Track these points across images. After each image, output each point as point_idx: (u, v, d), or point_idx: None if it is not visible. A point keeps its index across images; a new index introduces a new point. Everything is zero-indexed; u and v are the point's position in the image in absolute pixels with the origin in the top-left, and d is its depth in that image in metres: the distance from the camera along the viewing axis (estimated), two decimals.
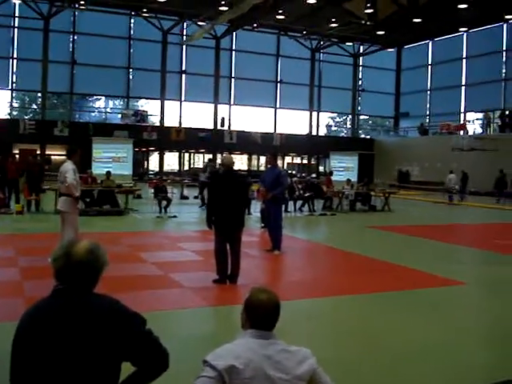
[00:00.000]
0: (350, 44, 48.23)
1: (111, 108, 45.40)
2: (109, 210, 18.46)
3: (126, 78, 42.59)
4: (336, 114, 53.16)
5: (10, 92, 40.29)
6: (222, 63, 44.76)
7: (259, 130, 44.45)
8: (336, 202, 22.46)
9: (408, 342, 6.13)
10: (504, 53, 41.15)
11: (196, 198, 21.96)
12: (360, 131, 52.48)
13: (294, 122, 47.75)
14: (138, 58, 42.18)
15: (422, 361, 5.54)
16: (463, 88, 44.88)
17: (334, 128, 53.71)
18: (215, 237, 8.61)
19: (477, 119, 43.57)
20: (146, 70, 42.36)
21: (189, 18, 40.93)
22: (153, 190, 20.08)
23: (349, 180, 24.13)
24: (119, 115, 42.64)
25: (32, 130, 36.88)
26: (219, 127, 43.83)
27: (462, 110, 45.05)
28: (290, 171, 41.11)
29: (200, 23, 39.77)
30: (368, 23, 39.20)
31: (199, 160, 44.23)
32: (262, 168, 42.07)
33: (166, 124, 42.81)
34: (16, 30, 39.30)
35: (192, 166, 43.90)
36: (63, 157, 36.63)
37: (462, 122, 43.37)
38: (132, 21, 42.31)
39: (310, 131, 48.25)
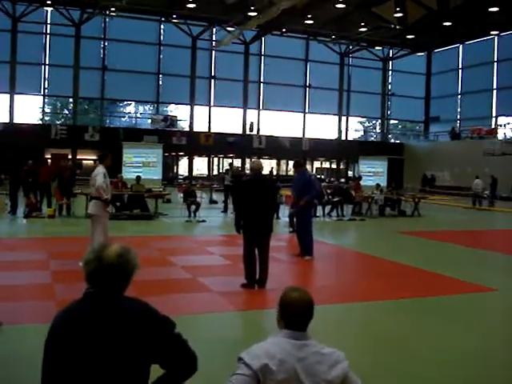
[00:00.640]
0: (380, 48, 48.04)
1: (141, 113, 45.84)
2: (139, 214, 18.59)
3: (156, 84, 42.96)
4: (365, 119, 52.88)
5: (42, 98, 40.96)
6: (251, 68, 44.90)
7: (288, 134, 44.46)
8: (365, 207, 22.32)
9: (441, 348, 6.06)
10: None
11: (224, 202, 22.03)
12: (389, 136, 52.13)
13: (323, 126, 47.67)
14: (168, 64, 42.56)
15: (455, 368, 5.47)
16: (494, 92, 44.34)
17: (362, 133, 53.42)
18: (244, 241, 8.60)
19: (508, 123, 42.96)
20: (176, 75, 42.70)
21: (218, 23, 41.18)
22: (182, 195, 20.20)
23: (378, 185, 23.95)
24: (149, 120, 43.05)
25: (63, 135, 37.42)
26: (248, 132, 43.94)
27: (494, 114, 44.48)
28: (318, 176, 41.02)
29: (229, 29, 39.96)
30: (397, 27, 39.00)
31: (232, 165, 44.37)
32: (291, 173, 42.00)
33: (196, 129, 43.08)
34: (48, 36, 39.98)
35: (221, 170, 44.03)
36: (94, 161, 37.12)
37: (493, 126, 42.85)
38: (162, 27, 42.73)
39: (339, 136, 48.09)
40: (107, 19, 40.14)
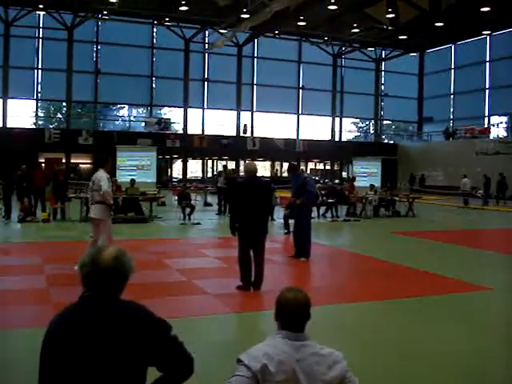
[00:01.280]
0: (372, 49, 48.15)
1: (135, 116, 45.78)
2: (133, 217, 18.59)
3: (149, 87, 42.92)
4: (359, 120, 52.98)
5: (35, 102, 40.84)
6: (244, 70, 44.92)
7: (282, 136, 44.47)
8: (360, 207, 22.37)
9: (436, 348, 6.09)
10: None
11: (218, 204, 22.06)
12: (383, 136, 52.25)
13: (317, 127, 47.69)
14: (161, 67, 42.53)
15: (448, 367, 5.50)
16: (487, 91, 44.49)
17: (356, 133, 53.50)
18: (239, 244, 8.61)
19: (501, 123, 43.11)
20: (169, 78, 42.69)
21: (210, 26, 41.21)
22: (176, 197, 20.21)
23: (372, 185, 24.01)
24: (143, 123, 43.02)
25: (57, 139, 37.33)
26: (242, 134, 43.96)
27: (486, 113, 44.63)
28: (312, 177, 41.05)
29: (222, 31, 39.98)
30: (390, 28, 39.12)
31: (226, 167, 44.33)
32: (285, 174, 42.03)
33: (189, 131, 43.06)
34: (41, 40, 39.87)
35: (215, 173, 44.04)
36: (87, 165, 37.00)
37: (486, 125, 43.00)
38: (154, 30, 42.69)
39: (333, 137, 48.17)
40: (100, 23, 40.04)
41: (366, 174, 36.70)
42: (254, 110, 45.67)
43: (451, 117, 47.90)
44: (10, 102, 38.92)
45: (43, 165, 30.16)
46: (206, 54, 43.80)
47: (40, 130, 38.39)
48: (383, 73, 50.63)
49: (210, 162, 44.43)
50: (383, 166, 37.39)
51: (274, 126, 45.61)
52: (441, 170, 41.26)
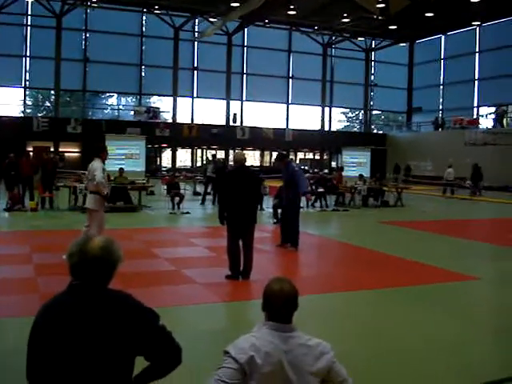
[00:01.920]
0: (362, 39, 48.13)
1: (124, 105, 45.57)
2: (122, 206, 18.54)
3: (139, 75, 42.72)
4: (348, 110, 53.00)
5: (23, 90, 40.54)
6: (234, 59, 44.78)
7: (271, 125, 44.44)
8: (348, 197, 22.43)
9: (421, 336, 6.14)
10: None
11: (208, 194, 22.00)
12: (372, 126, 52.32)
13: (306, 117, 47.72)
14: (150, 55, 42.31)
15: (435, 356, 5.54)
16: (476, 82, 44.62)
17: (346, 123, 53.55)
18: (228, 233, 8.63)
19: (490, 113, 43.26)
20: (158, 66, 42.48)
21: (200, 14, 41.02)
22: (165, 187, 20.16)
23: (361, 175, 24.07)
24: (132, 112, 42.81)
25: (45, 127, 37.09)
26: (231, 123, 43.88)
27: (475, 104, 44.77)
28: (302, 167, 41.11)
29: (211, 20, 39.82)
30: (380, 18, 39.05)
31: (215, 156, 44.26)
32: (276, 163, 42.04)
33: (179, 120, 42.96)
34: (29, 28, 39.54)
35: (204, 162, 43.97)
36: (75, 154, 36.75)
37: (475, 116, 43.13)
38: (144, 18, 42.44)
39: (322, 127, 48.20)
40: (88, 10, 39.75)
41: (355, 164, 36.78)
42: (244, 99, 45.59)
43: (440, 107, 48.04)
44: None
45: (31, 153, 29.97)
46: (196, 43, 43.59)
47: (28, 119, 38.15)
48: (373, 63, 50.66)
49: (199, 151, 44.35)
50: (372, 156, 37.47)
51: (263, 115, 45.58)
52: (429, 160, 41.38)
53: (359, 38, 47.70)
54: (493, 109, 42.34)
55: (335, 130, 49.65)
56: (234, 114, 44.35)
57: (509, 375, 5.06)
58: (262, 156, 46.06)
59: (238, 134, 42.77)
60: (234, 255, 8.53)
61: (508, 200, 26.82)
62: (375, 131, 51.96)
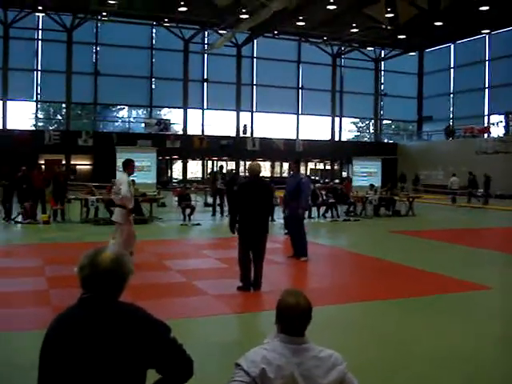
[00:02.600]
0: (371, 49, 48.16)
1: (134, 117, 45.76)
2: (133, 218, 18.52)
3: (149, 88, 42.95)
4: (358, 119, 52.96)
5: (35, 103, 40.87)
6: (244, 71, 44.93)
7: (282, 136, 44.48)
8: (359, 207, 22.37)
9: (435, 347, 6.09)
10: None
11: (219, 205, 21.96)
12: (383, 136, 52.24)
13: (317, 127, 47.73)
14: (160, 68, 42.55)
15: (448, 367, 5.50)
16: (486, 90, 44.48)
17: (356, 133, 53.48)
18: (239, 244, 8.61)
19: (500, 122, 43.09)
20: (169, 79, 42.70)
21: (210, 26, 41.22)
22: (177, 198, 20.21)
23: (372, 185, 24.01)
24: (142, 124, 43.03)
25: (57, 140, 37.36)
26: (242, 134, 43.96)
27: (486, 112, 44.61)
28: (312, 177, 41.07)
29: (221, 32, 39.98)
30: (389, 28, 39.08)
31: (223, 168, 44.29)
32: (285, 174, 42.04)
33: (189, 132, 43.10)
34: (40, 42, 39.90)
35: (209, 174, 43.92)
36: (87, 166, 36.90)
37: (485, 124, 42.97)
38: (154, 31, 42.72)
39: (333, 137, 48.18)
40: (99, 24, 40.10)
41: (366, 173, 36.68)
42: (254, 110, 45.68)
43: (451, 116, 47.90)
44: (9, 103, 38.95)
45: (43, 166, 30.12)
46: (206, 55, 43.81)
47: (40, 132, 38.44)
48: (383, 72, 50.64)
49: (209, 162, 44.43)
50: (383, 166, 37.38)
51: (273, 126, 45.64)
52: (440, 169, 41.22)
53: (368, 48, 47.74)
54: (503, 117, 42.19)
55: (345, 139, 49.61)
56: (245, 125, 44.43)
57: None
58: (272, 167, 46.06)
59: (248, 145, 42.84)
60: (244, 266, 8.51)
61: None
62: (386, 141, 51.83)
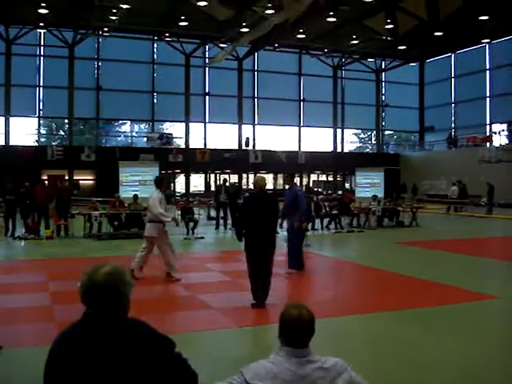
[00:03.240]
0: (372, 60, 48.29)
1: (137, 132, 45.85)
2: (137, 232, 18.55)
3: (151, 102, 43.07)
4: (360, 131, 53.00)
5: (37, 119, 40.97)
6: (245, 84, 45.06)
7: (284, 148, 44.54)
8: (363, 218, 22.32)
9: (440, 358, 6.04)
10: None
11: (223, 218, 21.92)
12: (385, 147, 52.25)
13: (319, 139, 47.77)
14: (162, 82, 42.68)
15: (459, 378, 5.46)
16: (488, 99, 44.50)
17: (358, 144, 53.51)
18: (247, 258, 8.46)
19: (502, 130, 43.05)
20: (170, 93, 42.81)
21: (210, 40, 41.39)
22: (180, 212, 20.18)
23: (375, 196, 23.99)
24: (145, 139, 43.10)
25: (59, 155, 37.46)
26: (244, 147, 44.02)
27: (488, 121, 44.61)
28: (315, 189, 41.07)
29: (222, 45, 40.14)
30: (389, 39, 39.22)
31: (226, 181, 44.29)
32: (288, 186, 41.99)
33: (191, 146, 43.15)
34: (42, 58, 40.08)
35: (214, 188, 43.92)
36: (90, 181, 36.89)
37: (487, 133, 42.95)
38: (155, 45, 42.89)
39: (335, 148, 48.22)
40: (100, 39, 40.29)
41: (369, 184, 36.68)
42: (256, 123, 45.76)
43: (453, 126, 47.89)
44: (12, 119, 39.03)
45: (46, 182, 30.17)
46: (207, 69, 43.95)
47: (42, 148, 38.53)
48: (384, 83, 50.73)
49: (212, 175, 44.45)
50: (386, 177, 37.37)
51: (275, 138, 45.69)
52: (443, 179, 41.15)
53: (369, 59, 47.87)
54: (505, 126, 42.19)
55: (348, 151, 49.65)
56: (247, 138, 44.49)
57: None
58: (275, 179, 46.07)
59: (250, 157, 42.88)
60: (254, 282, 8.35)
61: None
62: (388, 151, 51.83)
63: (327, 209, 21.87)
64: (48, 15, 32.94)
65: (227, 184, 23.18)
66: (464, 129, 45.03)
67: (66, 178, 36.59)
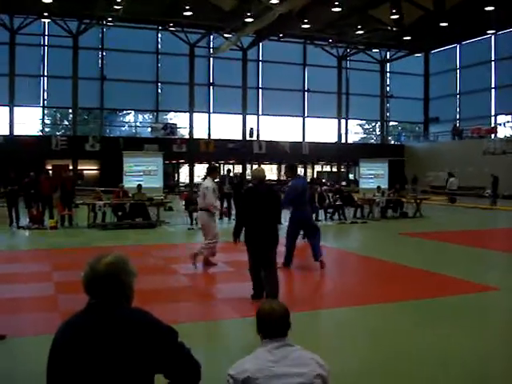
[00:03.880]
0: (377, 50, 48.13)
1: (141, 122, 45.88)
2: (141, 222, 18.61)
3: (155, 92, 43.05)
4: (364, 121, 52.88)
5: (41, 109, 41.02)
6: (249, 74, 45.00)
7: (288, 139, 44.49)
8: (367, 209, 22.31)
9: (438, 349, 6.06)
10: None
11: (227, 209, 21.90)
12: (389, 137, 52.15)
13: (323, 130, 47.71)
14: (166, 72, 42.65)
15: (461, 369, 5.48)
16: (493, 91, 44.34)
17: (363, 135, 53.41)
18: (248, 255, 8.16)
19: (507, 122, 42.95)
20: (174, 83, 42.77)
21: (215, 30, 41.32)
22: (184, 202, 20.21)
23: (379, 187, 23.96)
24: (149, 129, 43.12)
25: (64, 145, 37.52)
26: (248, 138, 43.98)
27: (493, 113, 44.46)
28: (319, 179, 41.05)
29: (226, 35, 40.06)
30: (394, 29, 39.09)
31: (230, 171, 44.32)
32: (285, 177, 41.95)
33: (196, 136, 43.16)
34: (46, 48, 40.07)
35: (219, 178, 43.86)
36: (95, 171, 37.00)
37: (492, 125, 42.84)
38: (159, 35, 42.83)
39: (339, 139, 48.16)
40: (104, 29, 40.24)
41: (373, 175, 36.68)
42: (260, 113, 45.71)
43: (457, 117, 47.76)
44: (16, 109, 39.11)
45: (50, 172, 30.24)
46: (211, 59, 43.91)
47: (47, 137, 38.61)
48: (388, 74, 50.57)
49: (216, 166, 44.38)
50: (390, 168, 37.35)
51: (280, 129, 45.65)
52: (448, 170, 41.09)
53: (374, 50, 47.72)
54: (510, 117, 42.10)
55: (352, 142, 49.57)
56: (251, 129, 44.46)
57: None
58: (279, 170, 46.07)
59: (254, 148, 42.86)
60: (255, 276, 8.12)
61: None
62: (392, 142, 51.74)
63: (331, 200, 21.88)
64: (52, 5, 32.90)
65: (231, 174, 23.20)
66: (469, 120, 44.89)
67: (71, 167, 36.65)
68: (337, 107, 48.01)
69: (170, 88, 43.12)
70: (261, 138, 44.32)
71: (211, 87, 44.20)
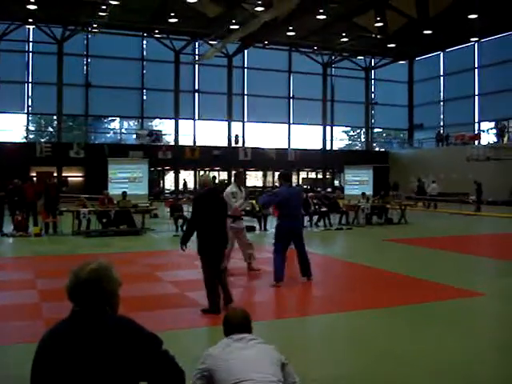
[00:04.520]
0: (362, 58, 48.40)
1: (126, 129, 45.74)
2: (126, 229, 18.55)
3: (140, 99, 42.97)
4: (349, 128, 53.09)
5: (26, 116, 40.78)
6: (235, 81, 45.07)
7: (273, 146, 44.54)
8: (352, 216, 22.37)
9: (425, 355, 6.08)
10: None
11: None
12: (374, 144, 52.39)
13: (308, 137, 47.84)
14: (152, 79, 42.59)
15: (445, 376, 5.50)
16: (476, 98, 44.72)
17: (347, 142, 53.60)
18: (203, 263, 8.07)
19: (491, 128, 43.33)
20: (160, 90, 42.72)
21: (200, 37, 41.35)
22: (169, 209, 20.17)
23: (364, 193, 24.06)
24: (134, 136, 42.99)
25: (48, 152, 37.30)
26: (233, 144, 44.00)
27: (476, 119, 44.84)
28: (305, 186, 41.16)
29: (211, 42, 40.11)
30: (378, 37, 39.33)
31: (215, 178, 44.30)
32: (278, 184, 42.05)
33: (181, 143, 43.09)
34: (31, 54, 39.88)
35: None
36: (79, 178, 36.73)
37: (476, 131, 43.19)
38: (144, 42, 42.78)
39: (324, 146, 48.30)
40: (89, 36, 40.11)
41: (358, 182, 36.82)
42: (245, 120, 45.76)
43: (441, 123, 48.10)
44: (0, 116, 38.82)
45: (34, 179, 30.06)
46: (197, 66, 43.91)
47: (31, 144, 38.36)
48: (373, 81, 50.87)
49: (201, 172, 44.37)
50: (375, 174, 37.50)
51: (265, 135, 45.67)
52: (432, 176, 41.33)
53: (358, 57, 47.97)
54: (493, 124, 42.47)
55: (337, 148, 49.71)
56: (236, 135, 44.48)
57: None
58: (264, 176, 46.12)
59: (240, 154, 42.87)
60: (215, 287, 7.92)
61: (509, 214, 26.73)
62: (377, 149, 51.99)
63: (316, 206, 21.94)
64: (37, 11, 32.79)
65: (216, 181, 23.19)
66: (453, 127, 45.23)
67: (55, 174, 36.44)
68: (322, 114, 48.17)
69: (155, 95, 43.05)
70: (246, 145, 44.35)
71: (196, 94, 44.20)
